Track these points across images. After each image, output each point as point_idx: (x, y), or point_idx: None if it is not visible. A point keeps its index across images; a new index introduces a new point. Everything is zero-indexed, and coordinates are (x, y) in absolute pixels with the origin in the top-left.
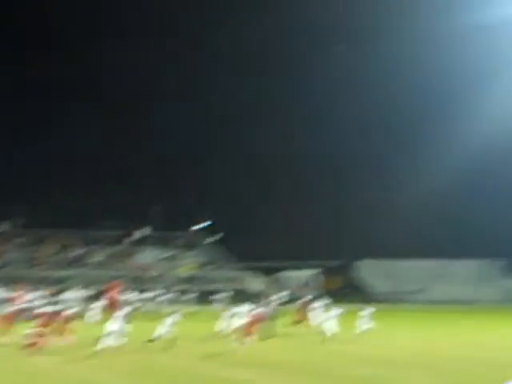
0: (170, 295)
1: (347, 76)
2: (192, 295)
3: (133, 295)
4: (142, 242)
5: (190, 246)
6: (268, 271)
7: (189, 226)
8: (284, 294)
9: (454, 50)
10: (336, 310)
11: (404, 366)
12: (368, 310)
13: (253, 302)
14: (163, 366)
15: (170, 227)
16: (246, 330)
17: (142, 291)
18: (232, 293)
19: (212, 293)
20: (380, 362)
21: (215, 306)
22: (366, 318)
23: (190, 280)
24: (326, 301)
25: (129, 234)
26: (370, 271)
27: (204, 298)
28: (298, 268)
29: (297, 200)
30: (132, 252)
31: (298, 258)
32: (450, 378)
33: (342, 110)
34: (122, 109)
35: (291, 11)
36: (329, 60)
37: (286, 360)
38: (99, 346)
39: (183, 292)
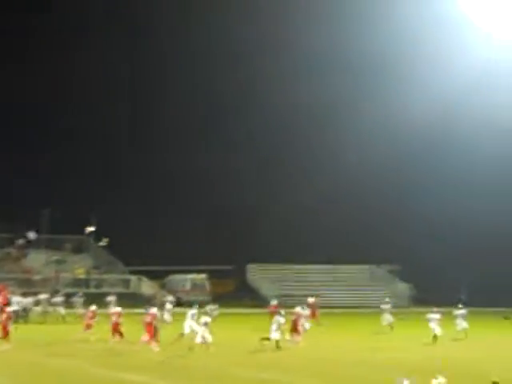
0: (58, 298)
1: None
2: (80, 298)
3: (19, 298)
4: (30, 245)
5: (77, 249)
6: (156, 275)
7: (77, 231)
8: (171, 298)
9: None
10: (206, 319)
11: (298, 373)
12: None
13: (145, 305)
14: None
15: (57, 231)
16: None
17: (29, 294)
18: (115, 296)
19: (100, 296)
20: (275, 367)
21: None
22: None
23: (77, 283)
24: (212, 306)
25: (17, 237)
26: (261, 276)
27: (92, 301)
28: (187, 272)
29: (185, 206)
30: (20, 255)
31: (187, 263)
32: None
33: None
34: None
35: None
36: None
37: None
38: None
39: (71, 295)
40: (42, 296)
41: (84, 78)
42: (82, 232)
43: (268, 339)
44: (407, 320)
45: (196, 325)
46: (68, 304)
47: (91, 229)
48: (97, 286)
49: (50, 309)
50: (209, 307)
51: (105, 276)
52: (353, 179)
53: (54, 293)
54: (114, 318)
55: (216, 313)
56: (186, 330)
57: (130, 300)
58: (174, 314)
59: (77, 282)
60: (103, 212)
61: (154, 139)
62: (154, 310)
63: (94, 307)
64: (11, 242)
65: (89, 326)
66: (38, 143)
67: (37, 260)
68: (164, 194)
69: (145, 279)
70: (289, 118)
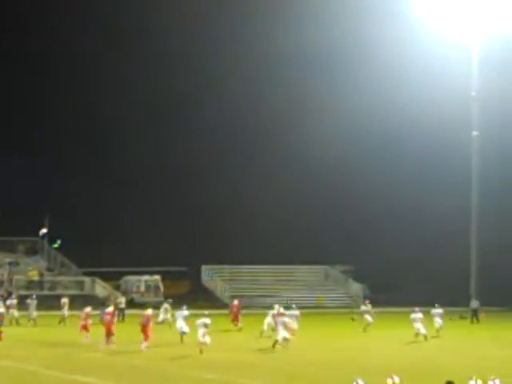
0: (12, 301)
1: None
2: (34, 301)
3: None
4: None
5: (31, 251)
6: (111, 277)
7: (30, 232)
8: (124, 300)
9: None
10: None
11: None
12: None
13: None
14: None
15: (11, 233)
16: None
17: None
18: (67, 298)
19: (54, 298)
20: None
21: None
22: None
23: (31, 285)
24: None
25: None
26: (215, 277)
27: (45, 303)
28: (141, 274)
29: (140, 207)
30: None
31: (142, 265)
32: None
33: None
34: None
35: None
36: None
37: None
38: None
39: (25, 297)
40: None
41: None
42: (35, 234)
43: (277, 341)
44: (359, 320)
45: (186, 326)
46: (21, 306)
47: (44, 231)
48: (51, 288)
49: (4, 311)
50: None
51: (59, 278)
52: (308, 179)
53: (8, 295)
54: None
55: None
56: (185, 330)
57: (85, 302)
58: (127, 316)
59: (30, 285)
60: (56, 213)
61: (107, 137)
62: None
63: (88, 308)
64: None
65: (84, 327)
66: None
67: None
68: (118, 194)
69: (99, 281)
70: (253, 116)
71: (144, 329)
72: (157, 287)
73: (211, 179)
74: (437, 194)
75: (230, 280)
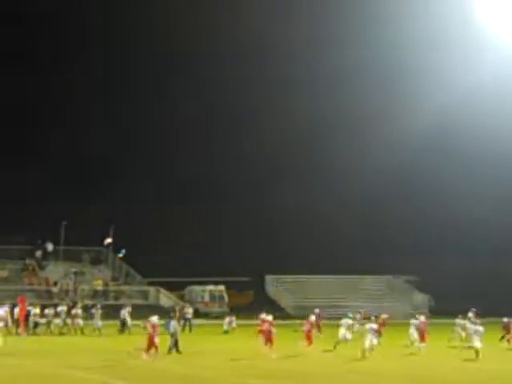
0: (77, 310)
1: None
2: (99, 310)
3: (38, 310)
4: (49, 256)
5: (96, 261)
6: (175, 287)
7: (95, 242)
8: (191, 310)
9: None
10: None
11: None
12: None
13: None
14: None
15: (76, 242)
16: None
17: (49, 306)
18: (130, 308)
19: (119, 307)
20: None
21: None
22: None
23: (96, 295)
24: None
25: (36, 249)
26: (279, 287)
27: (109, 312)
28: (206, 284)
29: (202, 217)
30: (39, 267)
31: (206, 275)
32: None
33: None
34: None
35: None
36: None
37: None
38: None
39: (91, 307)
40: (61, 308)
41: None
42: (100, 243)
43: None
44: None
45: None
46: (86, 316)
47: (109, 240)
48: (115, 298)
49: (69, 321)
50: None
51: (123, 288)
52: (372, 188)
53: (73, 304)
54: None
55: (234, 324)
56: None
57: (149, 311)
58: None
59: (95, 294)
60: (121, 223)
61: (166, 144)
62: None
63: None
64: (30, 254)
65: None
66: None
67: (55, 272)
68: (181, 204)
69: (163, 291)
70: (303, 124)
71: (150, 338)
72: (221, 297)
73: (275, 190)
74: (500, 205)
75: (294, 290)
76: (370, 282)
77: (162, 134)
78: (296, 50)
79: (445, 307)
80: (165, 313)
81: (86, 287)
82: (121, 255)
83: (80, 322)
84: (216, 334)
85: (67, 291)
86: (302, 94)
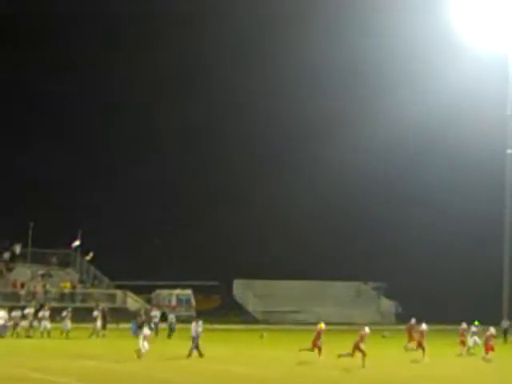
0: (45, 312)
1: None
2: (67, 313)
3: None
4: (17, 258)
5: (64, 264)
6: (142, 290)
7: (62, 245)
8: (158, 313)
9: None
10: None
11: None
12: None
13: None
14: None
15: (44, 245)
16: None
17: (16, 308)
18: (98, 311)
19: (86, 310)
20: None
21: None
22: None
23: (64, 298)
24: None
25: (3, 251)
26: (247, 291)
27: (77, 315)
28: (173, 287)
29: (171, 221)
30: (6, 269)
31: (173, 279)
32: None
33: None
34: None
35: None
36: None
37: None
38: None
39: (58, 309)
40: (28, 310)
41: None
42: (67, 246)
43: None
44: (391, 337)
45: None
46: (54, 318)
47: (77, 243)
48: (82, 301)
49: (36, 323)
50: None
51: (90, 290)
52: (340, 195)
53: (40, 307)
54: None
55: (201, 329)
56: None
57: (116, 315)
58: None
59: (62, 297)
60: (89, 226)
61: (133, 147)
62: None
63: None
64: None
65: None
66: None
67: (23, 274)
68: (150, 208)
69: (130, 294)
70: (287, 129)
71: None
72: (188, 301)
73: (244, 195)
74: (470, 212)
75: (261, 295)
76: (338, 287)
77: (125, 137)
78: (279, 51)
79: (412, 314)
80: (131, 316)
81: (53, 290)
82: (88, 258)
83: (47, 324)
84: (183, 338)
85: (34, 294)
86: (285, 97)
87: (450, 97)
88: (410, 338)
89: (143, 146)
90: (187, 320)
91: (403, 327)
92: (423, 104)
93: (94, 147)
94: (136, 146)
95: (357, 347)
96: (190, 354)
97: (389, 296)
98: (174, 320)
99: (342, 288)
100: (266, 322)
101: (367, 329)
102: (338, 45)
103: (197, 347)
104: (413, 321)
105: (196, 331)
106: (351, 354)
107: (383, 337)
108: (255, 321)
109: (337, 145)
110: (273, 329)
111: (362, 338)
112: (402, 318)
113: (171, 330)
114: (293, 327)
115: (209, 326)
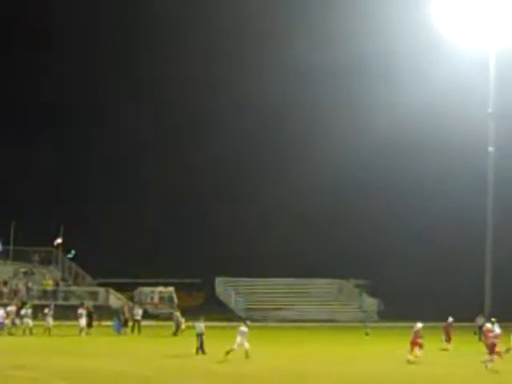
0: (27, 310)
1: None
2: (49, 310)
3: None
4: None
5: (45, 261)
6: (125, 288)
7: (45, 243)
8: (140, 311)
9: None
10: None
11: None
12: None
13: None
14: None
15: (26, 243)
16: None
17: None
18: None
19: (69, 308)
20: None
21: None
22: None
23: (46, 295)
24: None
25: None
26: (230, 289)
27: (59, 313)
28: (155, 285)
29: (153, 218)
30: None
31: (156, 276)
32: None
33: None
34: None
35: None
36: None
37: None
38: None
39: (39, 307)
40: (10, 308)
41: None
42: (49, 244)
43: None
44: (372, 335)
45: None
46: (36, 316)
47: (59, 241)
48: (65, 298)
49: (18, 321)
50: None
51: (73, 288)
52: (324, 194)
53: (22, 304)
54: None
55: (183, 326)
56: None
57: (99, 312)
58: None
59: (45, 294)
60: (71, 223)
61: (121, 146)
62: None
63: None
64: None
65: None
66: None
67: (5, 272)
68: (133, 206)
69: (113, 291)
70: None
71: None
72: (170, 299)
73: (226, 193)
74: (452, 209)
75: (244, 292)
76: (320, 285)
77: (110, 134)
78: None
79: (395, 311)
80: (114, 314)
81: (35, 287)
82: (70, 256)
83: (29, 322)
84: (165, 336)
85: (17, 291)
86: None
87: (431, 95)
88: (448, 338)
89: (127, 145)
90: (169, 318)
91: (386, 325)
92: (404, 103)
93: (77, 145)
94: (119, 143)
95: (415, 343)
96: (203, 352)
97: (371, 293)
98: (179, 318)
99: (324, 285)
100: (249, 319)
101: (419, 324)
102: (321, 45)
103: (201, 345)
104: (450, 319)
105: (201, 329)
106: (410, 352)
107: (366, 335)
108: (238, 318)
109: (318, 144)
110: (255, 326)
111: (416, 334)
112: (384, 316)
113: (177, 327)
114: (276, 324)
115: (191, 324)
